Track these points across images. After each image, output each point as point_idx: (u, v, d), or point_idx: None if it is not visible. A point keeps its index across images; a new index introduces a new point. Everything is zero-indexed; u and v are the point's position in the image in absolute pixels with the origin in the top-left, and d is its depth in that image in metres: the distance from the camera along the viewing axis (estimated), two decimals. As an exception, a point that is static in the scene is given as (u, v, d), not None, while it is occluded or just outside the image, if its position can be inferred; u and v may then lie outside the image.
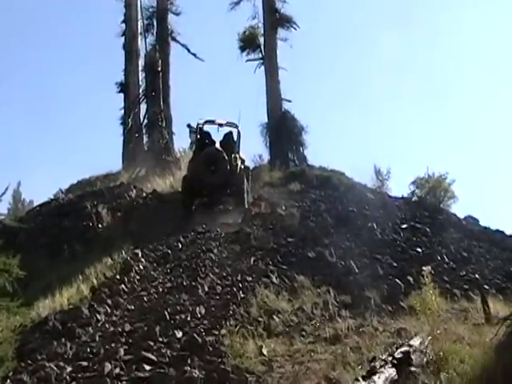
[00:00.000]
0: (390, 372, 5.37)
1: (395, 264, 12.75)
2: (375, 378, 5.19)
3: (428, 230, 15.44)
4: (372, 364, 5.60)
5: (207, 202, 16.87)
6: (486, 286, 11.74)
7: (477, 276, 12.40)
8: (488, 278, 12.57)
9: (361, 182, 20.73)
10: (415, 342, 6.08)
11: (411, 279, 11.64)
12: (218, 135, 18.19)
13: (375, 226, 15.10)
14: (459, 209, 20.83)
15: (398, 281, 11.55)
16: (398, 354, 5.66)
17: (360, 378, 5.31)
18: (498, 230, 17.11)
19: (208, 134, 18.09)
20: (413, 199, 19.48)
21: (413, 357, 5.71)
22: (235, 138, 17.93)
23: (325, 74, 51.89)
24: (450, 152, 42.25)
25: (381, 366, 5.47)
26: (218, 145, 17.54)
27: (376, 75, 52.97)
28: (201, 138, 17.98)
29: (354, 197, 17.99)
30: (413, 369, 5.60)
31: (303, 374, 6.53)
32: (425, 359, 5.86)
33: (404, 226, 15.72)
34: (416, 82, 52.80)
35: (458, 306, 10.49)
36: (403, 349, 5.77)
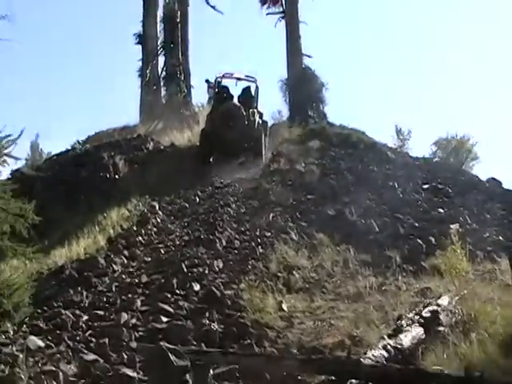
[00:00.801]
0: (418, 331, 5.16)
1: (416, 224, 12.46)
2: (402, 336, 4.99)
3: (450, 190, 15.10)
4: (398, 322, 5.39)
5: (225, 156, 16.57)
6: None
7: (500, 238, 12.09)
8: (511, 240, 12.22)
9: (382, 141, 20.41)
10: (443, 301, 5.85)
11: (433, 240, 11.44)
12: (236, 89, 18.05)
13: (396, 186, 14.82)
14: (481, 171, 20.52)
15: (419, 241, 11.30)
16: (425, 313, 5.45)
17: (385, 336, 5.11)
18: (521, 193, 16.69)
19: (226, 88, 17.92)
20: (434, 160, 19.12)
21: (441, 316, 5.50)
22: (253, 92, 17.77)
23: (348, 29, 50.92)
24: (474, 113, 41.48)
25: (407, 325, 5.27)
26: (236, 99, 17.38)
27: (403, 29, 51.89)
28: (219, 92, 17.82)
29: (375, 156, 17.73)
30: (441, 328, 5.39)
31: (325, 331, 6.35)
32: (453, 319, 5.64)
33: (425, 186, 15.39)
34: (443, 40, 51.72)
35: (481, 267, 10.21)
36: (431, 308, 5.55)
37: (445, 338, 5.29)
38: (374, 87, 50.19)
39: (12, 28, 8.49)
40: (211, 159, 16.88)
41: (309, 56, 23.68)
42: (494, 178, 17.67)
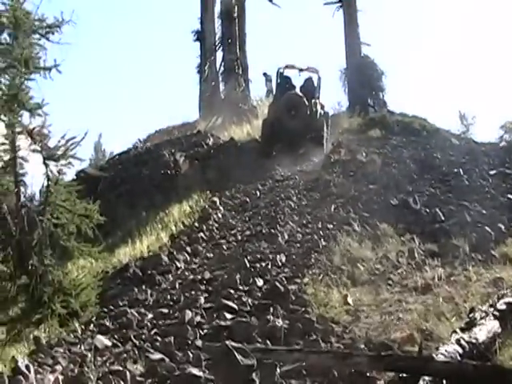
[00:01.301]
0: (493, 324, 4.90)
1: (484, 211, 11.98)
2: (476, 330, 4.74)
3: (519, 175, 14.51)
4: (471, 315, 5.13)
5: (287, 147, 16.52)
6: None
7: None
8: None
9: (444, 127, 19.86)
10: (519, 291, 5.56)
11: (502, 227, 10.99)
12: (298, 80, 18.11)
13: (461, 172, 14.32)
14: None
15: (487, 228, 10.87)
16: (500, 305, 5.17)
17: (458, 330, 4.87)
18: None
19: (289, 79, 18.02)
20: (501, 144, 18.43)
21: (517, 308, 5.22)
22: (315, 83, 17.75)
23: (407, 15, 49.86)
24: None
25: (481, 318, 5.01)
26: (298, 90, 17.43)
27: (463, 14, 50.49)
28: (281, 82, 17.90)
29: (438, 142, 17.29)
30: (518, 321, 5.11)
31: (393, 325, 6.14)
32: (531, 310, 5.35)
33: (492, 171, 14.81)
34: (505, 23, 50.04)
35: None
36: (506, 299, 5.26)
37: (523, 332, 5.03)
38: (435, 74, 49.07)
39: (75, 31, 8.64)
40: (274, 150, 16.87)
41: (367, 44, 23.37)
42: None
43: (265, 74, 24.65)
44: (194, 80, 25.96)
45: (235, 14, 24.72)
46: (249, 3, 26.15)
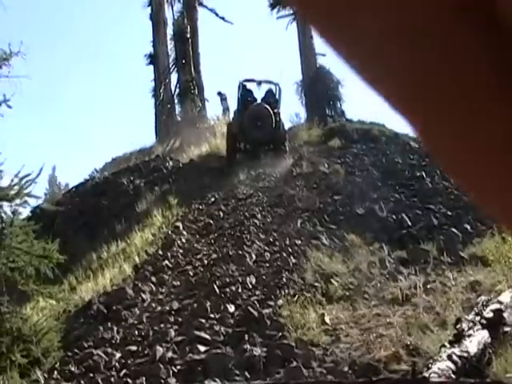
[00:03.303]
0: (483, 334, 4.62)
1: (449, 213, 11.94)
2: (466, 342, 4.45)
3: (480, 174, 14.54)
4: (458, 326, 4.85)
5: (251, 157, 16.96)
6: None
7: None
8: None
9: (402, 131, 19.90)
10: (505, 297, 5.28)
11: (468, 227, 10.98)
12: (258, 93, 18.55)
13: (424, 175, 14.29)
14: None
15: (454, 230, 10.78)
16: (487, 313, 4.90)
17: (447, 344, 4.58)
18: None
19: (250, 92, 18.41)
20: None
21: (505, 315, 4.94)
22: (276, 95, 18.15)
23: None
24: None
25: (469, 328, 4.73)
26: (259, 102, 17.87)
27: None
28: (243, 95, 18.21)
29: (398, 147, 17.31)
30: (507, 329, 4.83)
31: (376, 343, 5.83)
32: (519, 317, 5.09)
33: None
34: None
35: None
36: (493, 306, 5.00)
37: (513, 340, 4.77)
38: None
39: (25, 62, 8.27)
40: (236, 159, 17.40)
41: (322, 55, 23.35)
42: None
43: (219, 94, 24.44)
44: (149, 104, 25.64)
45: (188, 35, 24.52)
46: (201, 23, 26.05)
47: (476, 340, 4.55)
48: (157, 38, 25.32)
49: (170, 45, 25.48)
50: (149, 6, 25.66)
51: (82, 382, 6.23)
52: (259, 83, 18.49)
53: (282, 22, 24.38)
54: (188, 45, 24.31)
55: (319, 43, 23.34)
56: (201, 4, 25.96)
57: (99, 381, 6.16)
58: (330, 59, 24.21)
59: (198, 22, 25.82)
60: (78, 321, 8.37)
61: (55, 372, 6.68)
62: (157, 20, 25.33)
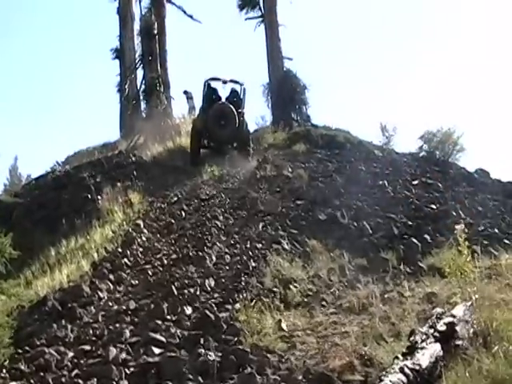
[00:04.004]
0: (435, 347, 4.67)
1: (410, 222, 12.04)
2: (418, 355, 4.49)
3: (440, 185, 14.78)
4: (412, 338, 4.90)
5: (215, 155, 17.59)
6: (507, 241, 11.03)
7: (496, 230, 11.68)
8: (507, 232, 11.79)
9: (366, 139, 20.11)
10: (458, 310, 5.35)
11: (428, 237, 11.11)
12: (222, 92, 18.97)
13: (386, 184, 14.44)
14: (468, 162, 20.29)
15: (414, 240, 10.91)
16: (441, 326, 4.95)
17: (400, 356, 4.62)
18: (510, 182, 16.36)
19: (215, 90, 18.77)
20: (421, 154, 18.84)
21: (458, 328, 5.00)
22: (241, 94, 18.51)
23: (327, 28, 50.69)
24: (456, 105, 41.24)
25: (422, 341, 4.77)
26: (224, 101, 18.28)
27: (377, 27, 51.89)
28: (208, 93, 18.60)
29: (362, 155, 17.50)
30: (459, 342, 4.90)
31: (331, 351, 5.84)
32: (471, 330, 5.15)
33: (415, 182, 15.06)
34: (418, 34, 51.62)
35: (481, 264, 9.74)
36: (446, 320, 5.05)
37: (465, 354, 4.81)
38: (356, 87, 50.11)
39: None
40: (200, 156, 17.84)
41: (289, 58, 23.55)
42: (481, 169, 17.39)
43: (185, 92, 24.35)
44: (114, 99, 25.39)
45: (155, 31, 24.37)
46: (169, 20, 25.89)
47: (428, 353, 4.59)
48: (123, 32, 25.15)
49: (137, 40, 25.33)
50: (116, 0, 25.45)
51: (32, 381, 6.08)
52: (224, 82, 18.78)
53: (250, 24, 24.42)
54: (155, 41, 24.20)
55: (286, 47, 23.59)
56: (169, 1, 25.84)
57: (49, 380, 6.02)
58: (296, 63, 24.51)
59: (166, 19, 25.68)
60: (31, 317, 8.16)
61: (4, 370, 6.50)
62: (124, 15, 25.16)
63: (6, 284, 7.64)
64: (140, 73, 25.08)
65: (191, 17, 25.96)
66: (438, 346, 4.73)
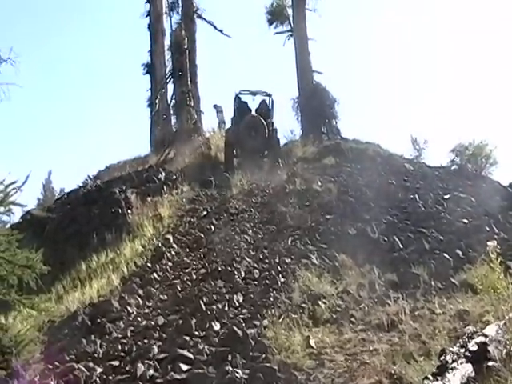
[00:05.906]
0: (466, 368, 4.56)
1: (441, 237, 11.85)
2: (449, 376, 4.38)
3: (473, 199, 14.47)
4: (442, 358, 4.80)
5: (247, 164, 17.98)
6: (546, 256, 10.76)
7: (533, 246, 11.40)
8: (545, 247, 11.51)
9: (397, 152, 19.89)
10: (490, 330, 5.23)
11: (460, 253, 10.89)
12: (252, 104, 19.72)
13: (417, 198, 14.25)
14: (501, 176, 19.95)
15: (446, 255, 10.71)
16: (472, 346, 4.84)
17: (430, 376, 4.52)
18: (546, 196, 15.97)
19: (245, 103, 19.68)
20: (453, 168, 18.54)
21: (490, 348, 4.88)
22: (269, 105, 19.40)
23: (356, 42, 50.57)
24: (488, 118, 40.60)
25: (453, 361, 4.67)
26: (253, 112, 19.20)
27: (410, 41, 51.62)
28: (239, 106, 19.48)
29: (392, 168, 17.25)
30: (491, 363, 4.78)
31: (360, 370, 5.76)
32: (504, 351, 5.02)
33: (447, 196, 14.81)
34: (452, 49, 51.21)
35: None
36: (478, 339, 4.94)
37: (498, 375, 4.68)
38: (386, 100, 49.74)
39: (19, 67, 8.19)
40: (234, 165, 18.61)
41: (319, 72, 23.47)
42: (515, 183, 17.03)
43: (215, 106, 24.49)
44: (144, 113, 25.63)
45: (185, 46, 24.55)
46: (199, 35, 26.12)
47: (459, 374, 4.48)
48: (154, 47, 25.45)
49: (168, 55, 25.60)
50: (147, 16, 25.77)
51: (61, 396, 6.13)
52: (254, 94, 19.63)
53: (279, 38, 24.58)
54: (185, 56, 24.31)
55: (316, 60, 23.59)
56: (199, 16, 26.06)
57: (78, 397, 6.07)
58: (326, 77, 24.48)
59: (196, 34, 25.92)
60: (62, 331, 8.28)
61: (34, 385, 6.56)
62: (155, 30, 25.46)
63: (37, 299, 7.67)
64: (170, 87, 25.26)
65: (221, 31, 26.18)
66: (469, 367, 4.62)
